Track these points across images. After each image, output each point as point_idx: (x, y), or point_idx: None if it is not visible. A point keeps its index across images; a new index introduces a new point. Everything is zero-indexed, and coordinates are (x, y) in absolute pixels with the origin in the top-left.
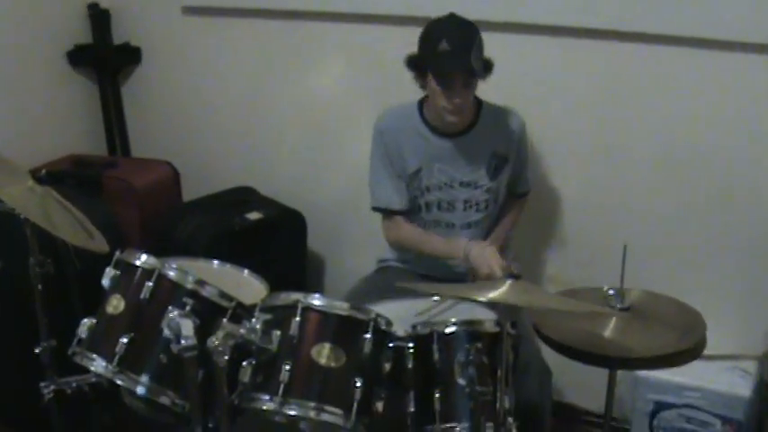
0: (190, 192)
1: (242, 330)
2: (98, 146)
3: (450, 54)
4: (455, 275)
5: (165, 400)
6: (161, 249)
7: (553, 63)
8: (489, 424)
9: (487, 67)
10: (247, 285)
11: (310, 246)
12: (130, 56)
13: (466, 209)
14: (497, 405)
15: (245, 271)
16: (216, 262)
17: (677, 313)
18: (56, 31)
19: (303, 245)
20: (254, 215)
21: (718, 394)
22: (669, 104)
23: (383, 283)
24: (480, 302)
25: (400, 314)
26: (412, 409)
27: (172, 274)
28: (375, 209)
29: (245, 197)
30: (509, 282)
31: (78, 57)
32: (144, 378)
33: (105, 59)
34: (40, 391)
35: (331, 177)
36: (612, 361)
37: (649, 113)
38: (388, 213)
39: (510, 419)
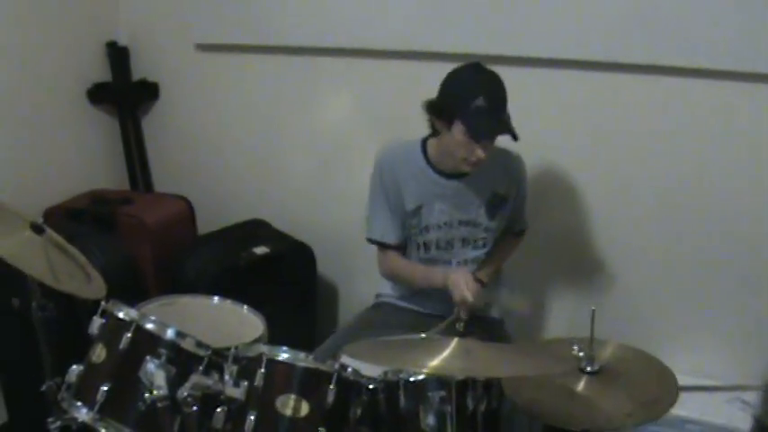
0: (207, 225)
1: (209, 381)
2: (121, 181)
3: (487, 111)
4: (447, 311)
5: None
6: (172, 285)
7: (559, 96)
8: None
9: None
10: (245, 321)
11: (322, 277)
12: (149, 91)
13: (464, 246)
14: None
15: (245, 307)
16: (216, 298)
17: (650, 372)
18: (75, 69)
19: (312, 277)
20: (260, 249)
21: (717, 428)
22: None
23: (376, 321)
24: None
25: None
26: None
27: (149, 326)
28: (369, 240)
29: (255, 231)
30: (454, 342)
31: (98, 94)
32: (125, 427)
33: (125, 95)
34: (47, 426)
35: (340, 208)
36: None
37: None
38: (381, 246)
39: None
